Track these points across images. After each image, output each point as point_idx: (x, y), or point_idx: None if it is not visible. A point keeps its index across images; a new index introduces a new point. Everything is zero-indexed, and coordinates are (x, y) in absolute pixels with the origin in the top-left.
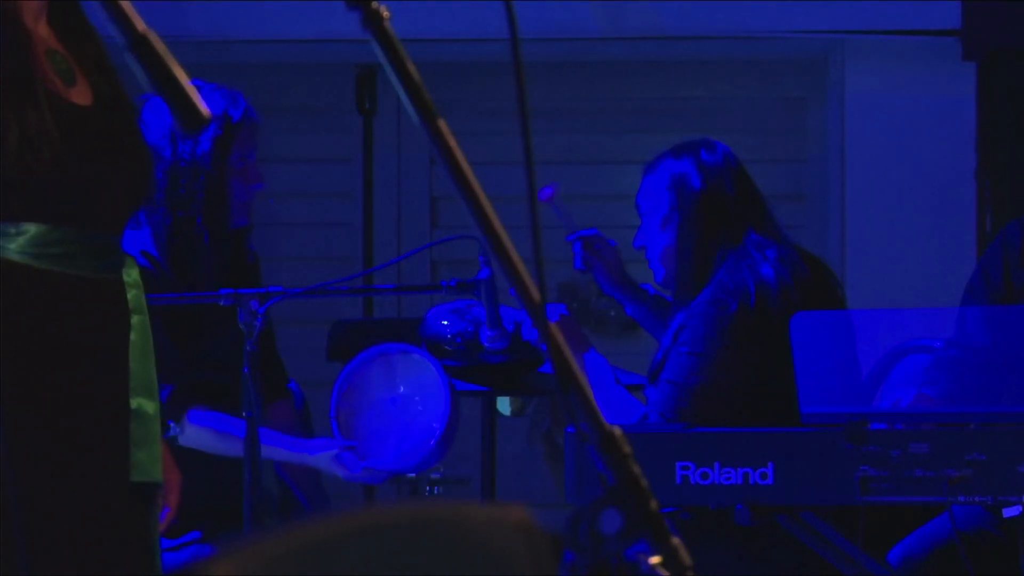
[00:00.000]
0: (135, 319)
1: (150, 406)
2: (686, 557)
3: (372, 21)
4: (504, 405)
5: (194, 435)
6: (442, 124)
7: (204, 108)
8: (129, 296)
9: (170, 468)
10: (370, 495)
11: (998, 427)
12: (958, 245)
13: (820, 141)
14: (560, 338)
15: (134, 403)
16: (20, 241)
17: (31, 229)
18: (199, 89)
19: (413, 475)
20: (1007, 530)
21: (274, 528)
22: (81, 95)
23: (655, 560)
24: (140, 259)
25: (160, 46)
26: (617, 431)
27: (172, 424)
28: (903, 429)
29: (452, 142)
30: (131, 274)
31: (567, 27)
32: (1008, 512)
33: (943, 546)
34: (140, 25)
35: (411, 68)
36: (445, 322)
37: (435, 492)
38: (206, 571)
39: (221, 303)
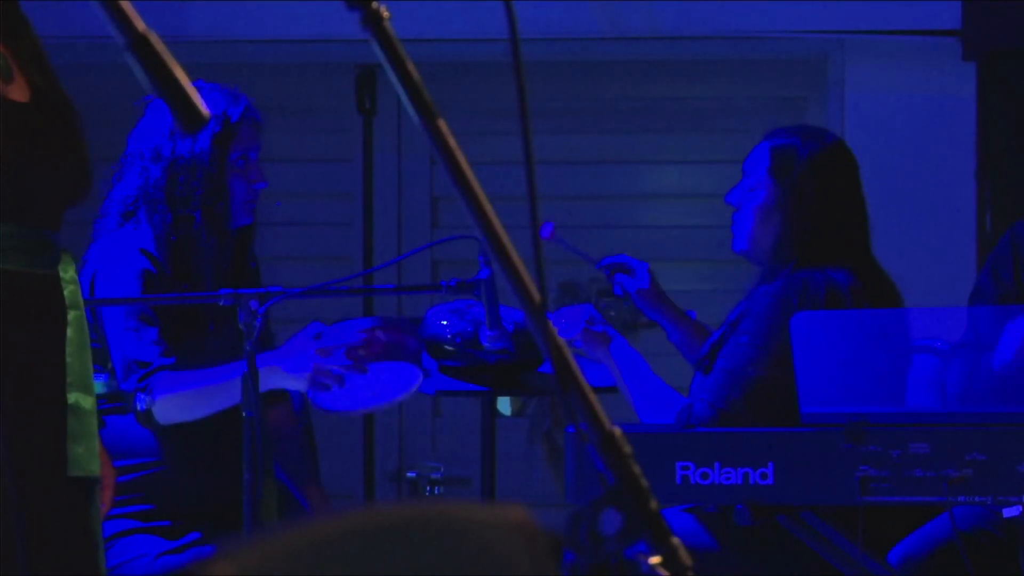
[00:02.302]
0: (72, 314)
1: (87, 401)
2: (686, 557)
3: (372, 21)
4: (504, 405)
5: (165, 405)
6: (442, 124)
7: (204, 108)
8: (66, 292)
9: (106, 464)
10: (370, 495)
11: (998, 427)
12: (958, 245)
13: None
14: (560, 338)
15: (71, 398)
16: None
17: None
18: (199, 89)
19: (411, 474)
20: (1007, 530)
21: (274, 528)
22: (19, 92)
23: (655, 560)
24: (139, 257)
25: (160, 46)
26: (617, 431)
27: (143, 397)
28: (903, 429)
29: (452, 142)
30: (67, 270)
31: (567, 27)
32: (1008, 512)
33: (943, 546)
34: (140, 25)
35: (411, 68)
36: (445, 322)
37: (435, 492)
38: (206, 571)
39: (221, 303)
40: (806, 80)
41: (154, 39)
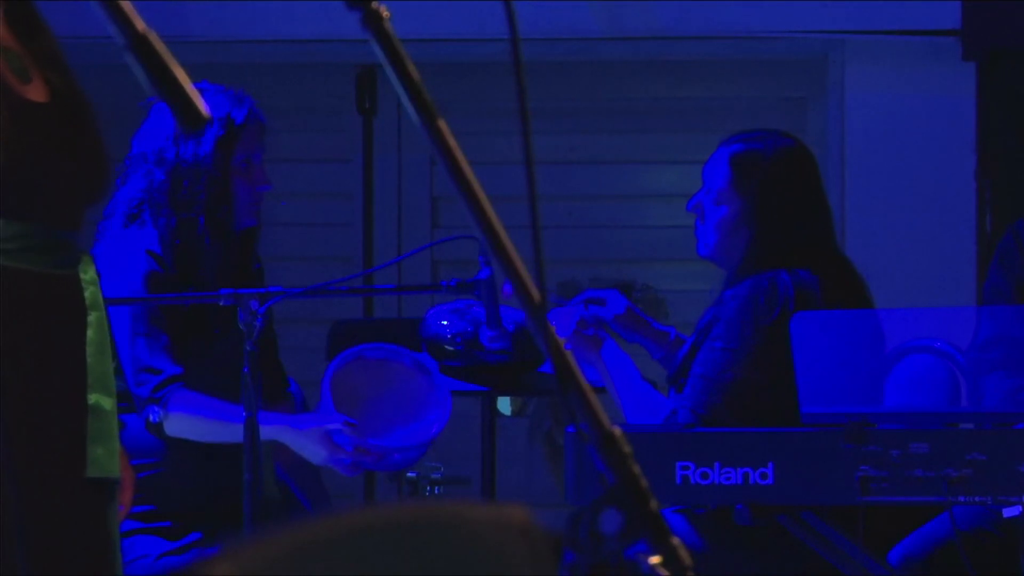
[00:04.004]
0: (92, 316)
1: (107, 402)
2: (686, 557)
3: (372, 21)
4: (504, 405)
5: (176, 423)
6: (442, 124)
7: (204, 108)
8: (86, 293)
9: (125, 465)
10: (370, 495)
11: (998, 427)
12: (958, 245)
13: (820, 141)
14: (558, 339)
15: (91, 399)
16: None
17: None
18: (205, 91)
19: (411, 474)
20: (1007, 530)
21: (274, 528)
22: (36, 92)
23: (655, 560)
24: (145, 258)
25: (160, 46)
26: (617, 431)
27: (156, 410)
28: (903, 429)
29: (452, 142)
30: (88, 271)
31: (567, 27)
32: (1008, 512)
33: (943, 546)
34: (140, 25)
35: (411, 68)
36: (445, 322)
37: (435, 492)
38: (206, 571)
39: (221, 303)
40: (806, 80)
41: (154, 39)
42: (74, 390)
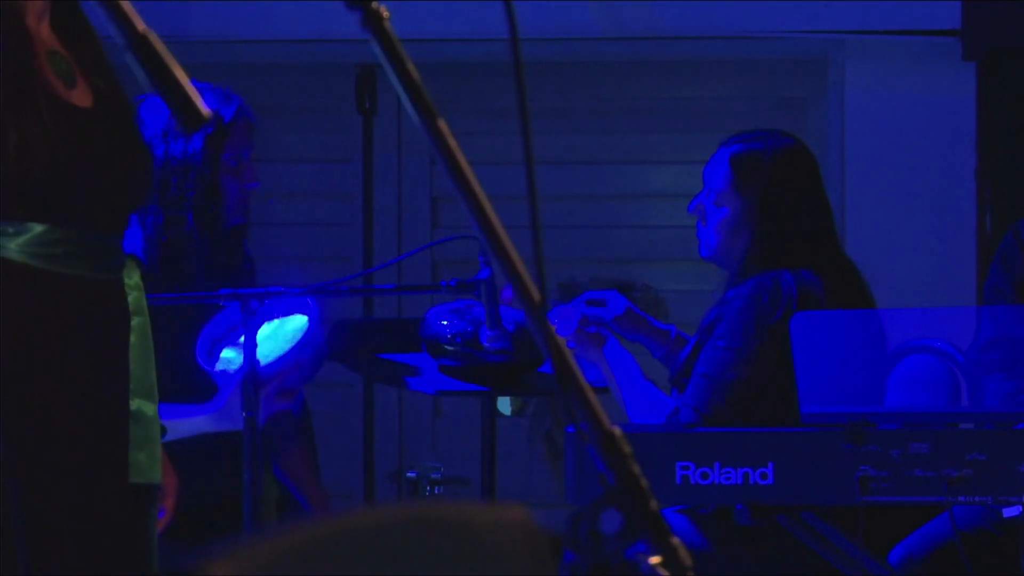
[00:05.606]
0: (135, 321)
1: (149, 408)
2: (686, 557)
3: (372, 21)
4: (504, 405)
5: None
6: (442, 124)
7: (204, 107)
8: (130, 298)
9: (168, 471)
10: (370, 495)
11: (998, 427)
12: (958, 245)
13: (820, 141)
14: (558, 338)
15: (134, 405)
16: (20, 240)
17: (31, 229)
18: None
19: (411, 473)
20: (1007, 530)
21: (274, 528)
22: (81, 97)
23: (655, 560)
24: None
25: (160, 46)
26: (617, 431)
27: None
28: (903, 429)
29: (452, 142)
30: (132, 276)
31: (567, 27)
32: (1008, 512)
33: (943, 546)
34: (140, 25)
35: (411, 68)
36: (445, 322)
37: (435, 492)
38: (206, 571)
39: (221, 303)
40: (806, 80)
41: (154, 39)
42: (117, 396)
